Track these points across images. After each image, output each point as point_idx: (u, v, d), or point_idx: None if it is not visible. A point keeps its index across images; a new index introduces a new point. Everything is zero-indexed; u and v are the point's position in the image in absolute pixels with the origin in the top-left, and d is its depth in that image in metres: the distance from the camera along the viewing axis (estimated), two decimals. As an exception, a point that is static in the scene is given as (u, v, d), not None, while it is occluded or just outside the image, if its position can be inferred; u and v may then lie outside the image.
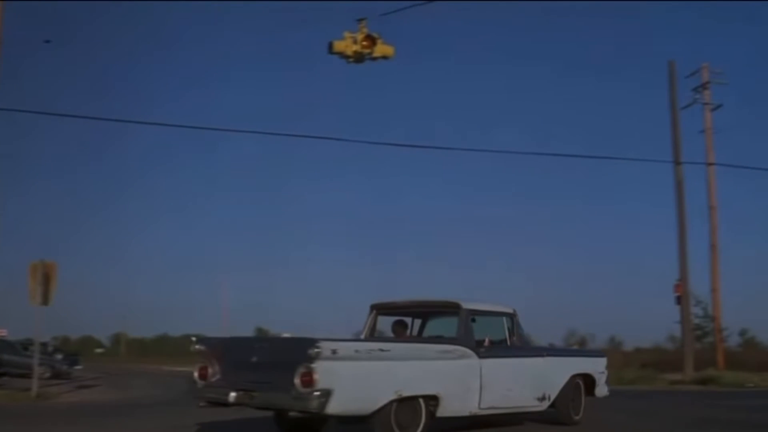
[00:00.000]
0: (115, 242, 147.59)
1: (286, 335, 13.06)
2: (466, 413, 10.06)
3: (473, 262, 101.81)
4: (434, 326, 11.58)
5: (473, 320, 10.43)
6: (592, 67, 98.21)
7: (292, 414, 9.52)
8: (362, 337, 11.21)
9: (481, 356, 10.13)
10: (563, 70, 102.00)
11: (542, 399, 11.19)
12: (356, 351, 8.98)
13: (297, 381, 8.44)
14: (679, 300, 26.90)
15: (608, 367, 12.76)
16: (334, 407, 8.45)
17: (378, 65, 15.69)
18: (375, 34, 15.39)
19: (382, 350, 9.26)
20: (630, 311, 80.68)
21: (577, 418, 11.71)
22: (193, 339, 10.82)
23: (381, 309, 11.62)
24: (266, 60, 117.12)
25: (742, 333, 43.20)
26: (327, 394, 8.37)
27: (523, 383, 10.92)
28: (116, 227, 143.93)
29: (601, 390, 12.38)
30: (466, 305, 10.42)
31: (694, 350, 27.81)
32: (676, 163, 27.36)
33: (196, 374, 10.10)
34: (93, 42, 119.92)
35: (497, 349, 10.58)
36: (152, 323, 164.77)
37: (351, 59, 15.42)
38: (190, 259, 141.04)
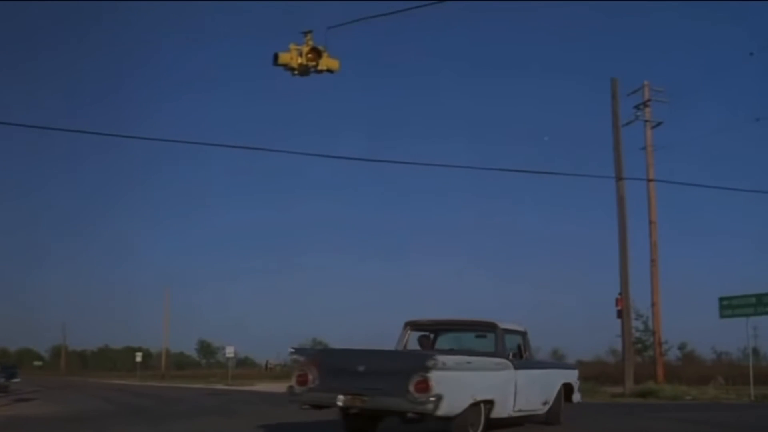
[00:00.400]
0: (55, 253, 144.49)
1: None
2: (505, 415, 11.87)
3: (408, 275, 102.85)
4: (452, 341, 13.24)
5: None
6: (538, 75, 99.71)
7: (410, 415, 10.63)
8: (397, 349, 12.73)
9: (515, 368, 12.02)
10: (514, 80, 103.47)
11: (545, 403, 13.29)
12: (456, 363, 10.75)
13: (412, 388, 10.07)
14: (620, 314, 27.27)
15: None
16: (442, 410, 10.14)
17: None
18: (321, 47, 15.35)
19: (468, 363, 11.08)
20: (573, 324, 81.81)
21: (561, 419, 13.80)
22: (291, 350, 11.91)
23: (414, 325, 13.18)
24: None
25: (682, 347, 44.32)
26: (439, 398, 10.05)
27: (537, 390, 12.88)
28: (55, 238, 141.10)
29: (576, 396, 14.54)
30: (502, 325, 12.24)
31: (634, 363, 28.28)
32: (618, 178, 27.82)
33: (294, 381, 11.28)
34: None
35: (522, 362, 12.45)
36: (93, 335, 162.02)
37: (296, 72, 15.35)
38: (131, 271, 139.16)
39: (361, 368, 10.66)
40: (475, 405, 10.93)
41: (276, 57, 15.24)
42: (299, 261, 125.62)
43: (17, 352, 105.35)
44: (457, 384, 10.46)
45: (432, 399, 10.01)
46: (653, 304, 30.92)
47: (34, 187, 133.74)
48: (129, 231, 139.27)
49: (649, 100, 31.37)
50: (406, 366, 10.42)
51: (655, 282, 30.63)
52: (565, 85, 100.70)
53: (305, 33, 15.49)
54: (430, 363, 10.16)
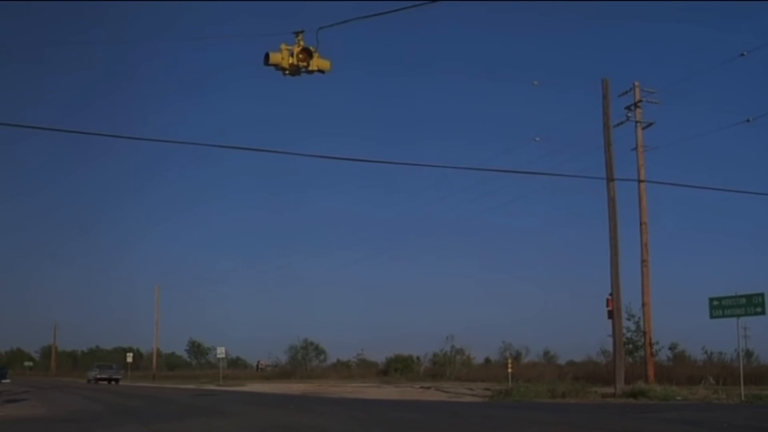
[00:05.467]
0: (47, 254, 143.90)
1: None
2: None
3: (399, 277, 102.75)
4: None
5: None
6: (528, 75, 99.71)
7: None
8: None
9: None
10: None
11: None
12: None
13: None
14: (610, 314, 27.25)
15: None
16: None
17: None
18: (312, 48, 15.31)
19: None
20: (564, 324, 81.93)
21: None
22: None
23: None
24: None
25: (672, 347, 44.31)
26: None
27: None
28: (48, 239, 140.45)
29: None
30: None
31: (625, 364, 28.28)
32: (609, 179, 27.79)
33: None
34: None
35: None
36: (84, 336, 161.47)
37: (287, 72, 15.33)
38: (123, 272, 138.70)
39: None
40: None
41: (267, 57, 15.23)
42: (291, 262, 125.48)
43: (8, 353, 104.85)
44: None
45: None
46: (644, 305, 31.02)
47: (28, 188, 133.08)
48: (121, 231, 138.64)
49: (640, 101, 31.46)
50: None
51: (646, 282, 30.72)
52: (557, 85, 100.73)
53: (296, 33, 15.47)
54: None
